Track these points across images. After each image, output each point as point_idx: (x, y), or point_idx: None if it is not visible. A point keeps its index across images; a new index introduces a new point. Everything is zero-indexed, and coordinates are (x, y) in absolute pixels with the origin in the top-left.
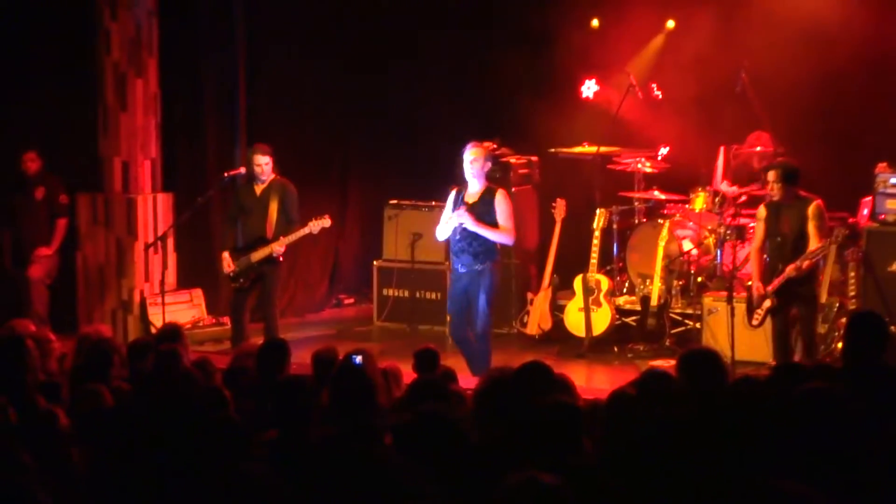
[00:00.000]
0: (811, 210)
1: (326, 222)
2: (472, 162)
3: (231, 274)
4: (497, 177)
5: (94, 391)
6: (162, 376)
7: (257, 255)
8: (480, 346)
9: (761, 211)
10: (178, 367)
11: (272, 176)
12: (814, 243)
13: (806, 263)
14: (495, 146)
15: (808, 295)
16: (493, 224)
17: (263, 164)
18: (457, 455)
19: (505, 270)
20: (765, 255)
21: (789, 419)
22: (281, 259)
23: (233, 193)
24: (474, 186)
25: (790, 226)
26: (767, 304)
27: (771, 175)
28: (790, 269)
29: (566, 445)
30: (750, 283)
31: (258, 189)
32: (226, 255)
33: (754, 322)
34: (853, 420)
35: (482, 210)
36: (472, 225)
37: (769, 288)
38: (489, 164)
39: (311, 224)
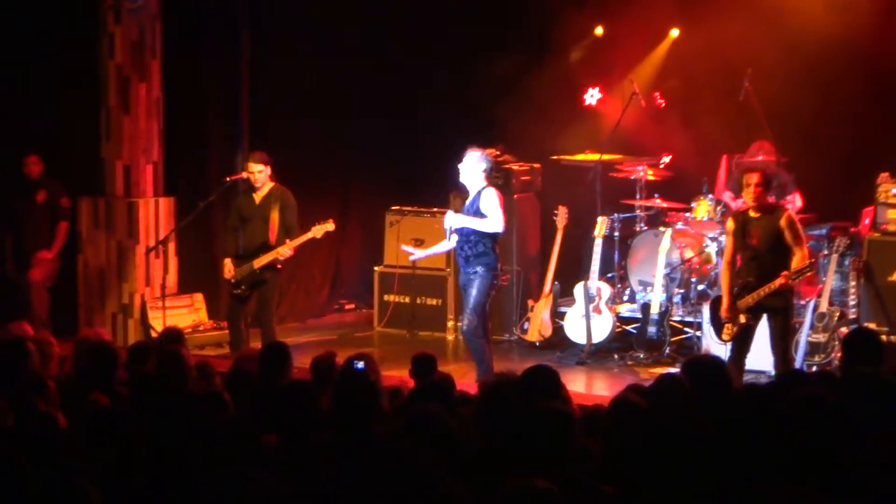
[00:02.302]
0: (784, 221)
1: (330, 226)
2: (463, 167)
3: (233, 280)
4: (500, 183)
5: (94, 395)
6: (165, 377)
7: (260, 262)
8: (471, 346)
9: (730, 224)
10: (183, 368)
11: (270, 184)
12: (797, 255)
13: (801, 275)
14: (498, 153)
15: (782, 306)
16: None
17: (257, 171)
18: (450, 457)
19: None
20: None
21: (785, 424)
22: (280, 266)
23: (233, 202)
24: (472, 190)
25: (760, 238)
26: (742, 320)
27: (754, 178)
28: (779, 282)
29: (560, 452)
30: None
31: (257, 197)
32: (228, 261)
33: (724, 337)
34: (847, 425)
35: (471, 209)
36: (455, 220)
37: (741, 303)
38: (482, 165)
39: (314, 228)
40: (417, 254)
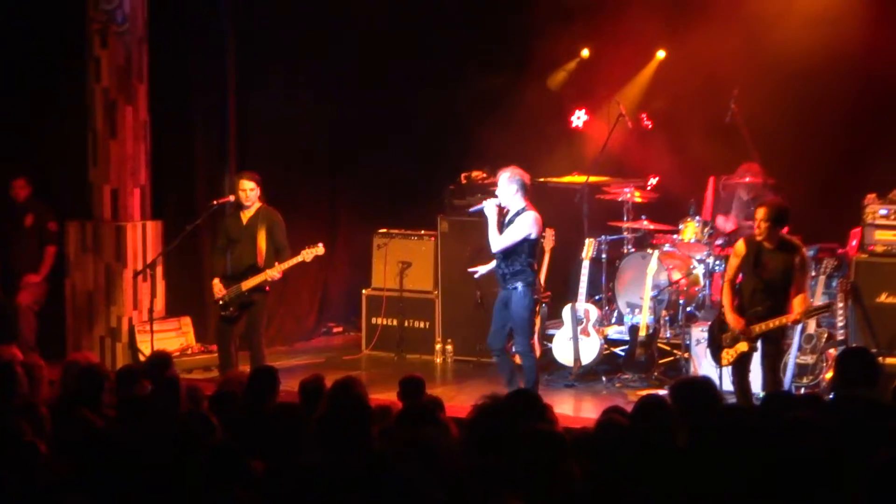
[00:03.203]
0: (799, 261)
1: (320, 250)
2: (499, 190)
3: (221, 302)
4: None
5: (84, 416)
6: (159, 403)
7: (248, 284)
8: (525, 363)
9: (740, 246)
10: (178, 395)
11: (258, 204)
12: (801, 294)
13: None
14: (484, 175)
15: (775, 335)
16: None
17: (248, 189)
18: (440, 480)
19: (493, 299)
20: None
21: (775, 447)
22: (268, 288)
23: (221, 223)
24: (512, 210)
25: (773, 272)
26: (743, 347)
27: (760, 213)
28: (793, 317)
29: (549, 473)
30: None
31: (245, 218)
32: (216, 281)
33: (724, 362)
34: (837, 449)
35: (506, 227)
36: (489, 210)
37: (750, 332)
38: (513, 186)
39: (304, 252)
40: (481, 270)
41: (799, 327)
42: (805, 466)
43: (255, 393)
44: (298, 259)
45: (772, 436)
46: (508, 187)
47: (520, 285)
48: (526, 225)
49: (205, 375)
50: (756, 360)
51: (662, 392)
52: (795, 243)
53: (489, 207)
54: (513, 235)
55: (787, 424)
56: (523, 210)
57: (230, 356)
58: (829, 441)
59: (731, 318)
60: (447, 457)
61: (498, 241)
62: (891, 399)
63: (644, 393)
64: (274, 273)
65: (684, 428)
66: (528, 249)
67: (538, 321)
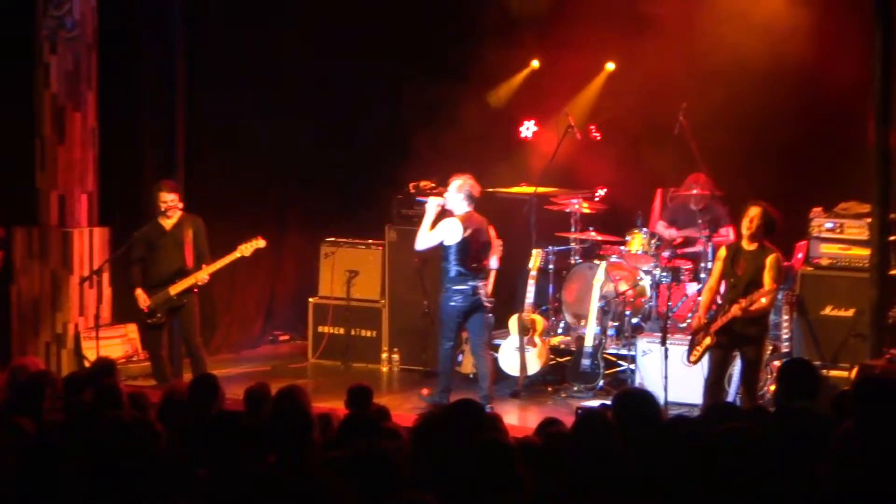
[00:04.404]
0: (770, 260)
1: (260, 243)
2: (447, 195)
3: (147, 309)
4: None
5: (19, 423)
6: (100, 411)
7: (177, 288)
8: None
9: (721, 251)
10: (119, 403)
11: (179, 212)
12: (763, 291)
13: (753, 307)
14: (433, 185)
15: (755, 337)
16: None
17: (169, 200)
18: (391, 491)
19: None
20: (719, 295)
21: (713, 457)
22: (196, 290)
23: (136, 233)
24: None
25: (745, 270)
26: (707, 341)
27: (753, 210)
28: (735, 309)
29: (499, 482)
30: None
31: (167, 224)
32: (139, 292)
33: (691, 358)
34: (775, 460)
35: None
36: (430, 207)
37: (712, 327)
38: (459, 197)
39: (241, 247)
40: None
41: None
42: (742, 478)
43: (197, 402)
44: (235, 255)
45: (710, 446)
46: (456, 195)
47: (444, 292)
48: (440, 229)
49: (149, 382)
50: (698, 371)
51: (594, 403)
52: (773, 249)
53: (430, 205)
54: (429, 238)
55: (725, 434)
56: (454, 216)
57: (163, 362)
58: (767, 453)
59: (696, 316)
60: (395, 465)
61: (419, 236)
62: (831, 412)
63: (589, 403)
64: (203, 276)
65: (624, 440)
66: (450, 254)
67: None
